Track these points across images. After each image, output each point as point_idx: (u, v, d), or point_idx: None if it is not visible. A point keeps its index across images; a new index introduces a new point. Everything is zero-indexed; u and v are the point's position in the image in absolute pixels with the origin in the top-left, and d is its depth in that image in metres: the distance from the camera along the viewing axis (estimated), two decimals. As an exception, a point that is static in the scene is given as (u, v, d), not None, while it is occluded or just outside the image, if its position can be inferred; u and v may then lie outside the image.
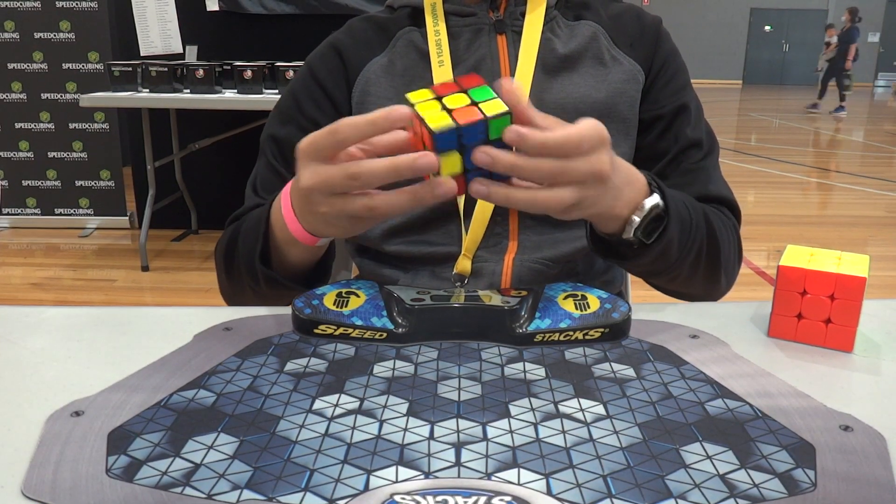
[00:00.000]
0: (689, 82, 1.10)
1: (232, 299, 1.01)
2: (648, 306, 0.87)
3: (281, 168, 1.05)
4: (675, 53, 1.10)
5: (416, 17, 1.07)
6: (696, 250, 0.90)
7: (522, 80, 1.02)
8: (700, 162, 1.05)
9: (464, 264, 1.02)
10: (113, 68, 3.97)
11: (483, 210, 1.01)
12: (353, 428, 0.59)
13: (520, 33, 1.04)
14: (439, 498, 0.49)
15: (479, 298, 0.79)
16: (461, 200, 1.01)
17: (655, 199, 0.82)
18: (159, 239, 4.52)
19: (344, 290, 0.81)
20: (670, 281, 0.95)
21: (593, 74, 1.04)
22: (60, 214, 4.86)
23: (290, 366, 0.70)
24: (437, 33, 1.04)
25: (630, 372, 0.69)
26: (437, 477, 0.52)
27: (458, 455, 0.55)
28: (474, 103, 0.67)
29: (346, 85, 1.06)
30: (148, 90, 3.95)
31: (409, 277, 1.05)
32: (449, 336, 0.76)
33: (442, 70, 1.03)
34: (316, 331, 0.77)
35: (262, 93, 3.88)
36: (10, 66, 4.61)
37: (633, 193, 0.81)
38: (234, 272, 0.95)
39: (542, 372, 0.69)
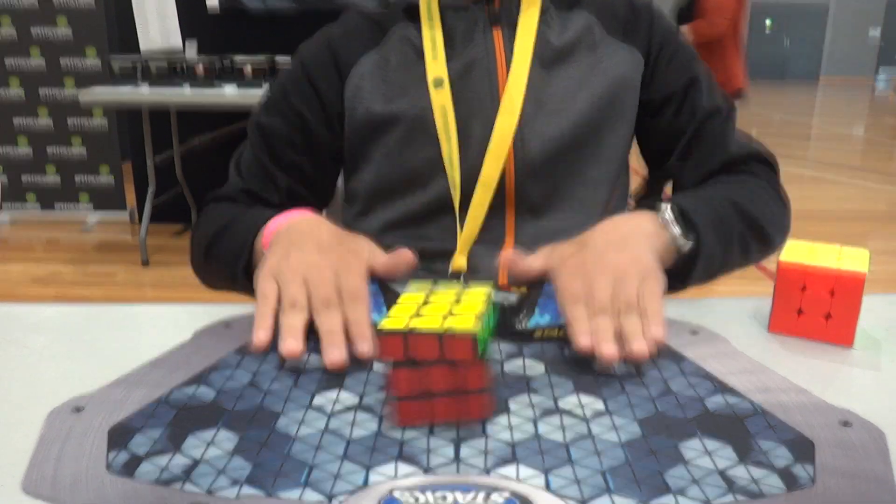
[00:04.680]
0: (695, 55, 1.10)
1: (202, 277, 1.05)
2: (648, 302, 0.87)
3: (263, 157, 1.07)
4: (673, 31, 1.10)
5: (411, 13, 1.07)
6: (739, 243, 0.93)
7: (519, 75, 1.01)
8: (721, 127, 1.06)
9: (459, 261, 1.02)
10: (112, 64, 3.96)
11: (478, 206, 1.01)
12: (353, 424, 0.59)
13: (515, 27, 1.03)
14: (438, 493, 0.49)
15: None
16: (456, 198, 1.01)
17: (687, 245, 0.85)
18: (159, 234, 4.51)
19: (344, 286, 0.80)
20: (727, 273, 0.96)
21: (589, 65, 1.04)
22: (60, 210, 4.86)
23: (289, 362, 0.70)
24: (431, 27, 1.04)
25: (629, 368, 0.69)
26: (436, 472, 0.52)
27: (457, 451, 0.55)
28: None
29: (338, 79, 1.06)
30: (148, 86, 3.94)
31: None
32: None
33: (436, 63, 1.02)
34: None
35: (262, 88, 3.88)
36: (8, 62, 4.61)
37: (668, 256, 0.84)
38: (212, 264, 0.99)
39: (541, 368, 0.69)
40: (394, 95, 1.03)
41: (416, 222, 1.04)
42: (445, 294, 0.64)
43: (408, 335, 0.56)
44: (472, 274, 1.01)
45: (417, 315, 0.59)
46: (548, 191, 1.03)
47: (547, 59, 1.03)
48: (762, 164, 1.07)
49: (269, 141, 1.07)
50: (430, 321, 0.58)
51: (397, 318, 0.59)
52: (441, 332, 0.56)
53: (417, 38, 1.05)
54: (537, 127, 1.01)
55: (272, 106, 1.09)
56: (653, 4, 1.10)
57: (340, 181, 1.19)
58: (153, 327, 0.81)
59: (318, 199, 1.11)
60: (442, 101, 1.01)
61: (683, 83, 1.06)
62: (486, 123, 1.00)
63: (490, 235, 1.02)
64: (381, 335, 0.57)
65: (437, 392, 0.57)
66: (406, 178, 1.04)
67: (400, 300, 0.63)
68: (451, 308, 0.61)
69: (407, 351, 0.56)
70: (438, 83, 1.01)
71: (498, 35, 1.04)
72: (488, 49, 1.03)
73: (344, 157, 1.10)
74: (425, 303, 0.63)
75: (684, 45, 1.09)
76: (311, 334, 0.76)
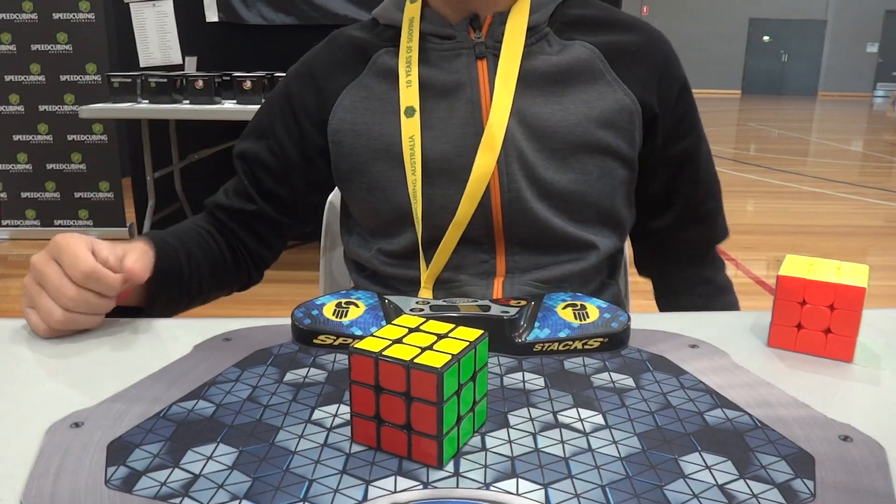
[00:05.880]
0: (699, 123, 1.09)
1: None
2: (648, 316, 0.87)
3: (246, 181, 1.09)
4: (688, 92, 1.06)
5: (396, 38, 1.03)
6: None
7: (502, 106, 0.96)
8: (714, 204, 1.13)
9: (425, 295, 1.00)
10: (112, 79, 3.98)
11: (448, 244, 0.98)
12: (352, 438, 0.59)
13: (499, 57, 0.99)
14: (438, 508, 0.49)
15: (479, 308, 0.79)
16: (419, 228, 0.98)
17: None
18: (159, 249, 4.51)
19: (343, 301, 0.81)
20: None
21: (585, 100, 0.99)
22: (60, 226, 4.86)
23: (289, 376, 0.70)
24: (408, 49, 1.00)
25: (629, 382, 0.69)
26: (435, 487, 0.52)
27: (456, 465, 0.55)
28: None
29: (320, 116, 1.04)
30: (147, 101, 3.95)
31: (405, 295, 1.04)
32: (448, 346, 0.76)
33: (409, 91, 0.98)
34: (315, 341, 0.77)
35: (261, 103, 3.88)
36: (8, 78, 4.62)
37: None
38: None
39: (541, 382, 0.69)
40: (375, 132, 1.00)
41: (410, 253, 1.02)
42: (438, 326, 0.62)
43: (378, 359, 0.55)
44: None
45: (398, 342, 0.57)
46: (537, 227, 0.99)
47: (539, 85, 0.99)
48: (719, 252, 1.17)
49: (251, 166, 1.08)
50: (404, 350, 0.56)
51: (377, 340, 0.57)
52: (407, 364, 0.54)
53: (397, 63, 1.01)
54: (524, 163, 0.97)
55: (259, 132, 1.10)
56: (672, 57, 1.04)
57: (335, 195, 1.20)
58: (152, 342, 0.81)
59: (296, 223, 1.14)
60: (411, 132, 0.97)
61: (690, 153, 1.07)
62: (466, 162, 0.96)
63: (481, 267, 1.00)
64: (353, 354, 0.56)
65: (386, 421, 0.56)
66: (391, 214, 1.02)
67: (395, 321, 0.62)
68: (434, 342, 0.58)
69: (377, 375, 0.55)
70: (410, 112, 0.98)
71: (483, 66, 0.99)
72: (472, 82, 0.99)
73: (336, 187, 1.11)
74: (415, 330, 0.60)
75: (695, 109, 1.07)
76: (313, 345, 0.77)
